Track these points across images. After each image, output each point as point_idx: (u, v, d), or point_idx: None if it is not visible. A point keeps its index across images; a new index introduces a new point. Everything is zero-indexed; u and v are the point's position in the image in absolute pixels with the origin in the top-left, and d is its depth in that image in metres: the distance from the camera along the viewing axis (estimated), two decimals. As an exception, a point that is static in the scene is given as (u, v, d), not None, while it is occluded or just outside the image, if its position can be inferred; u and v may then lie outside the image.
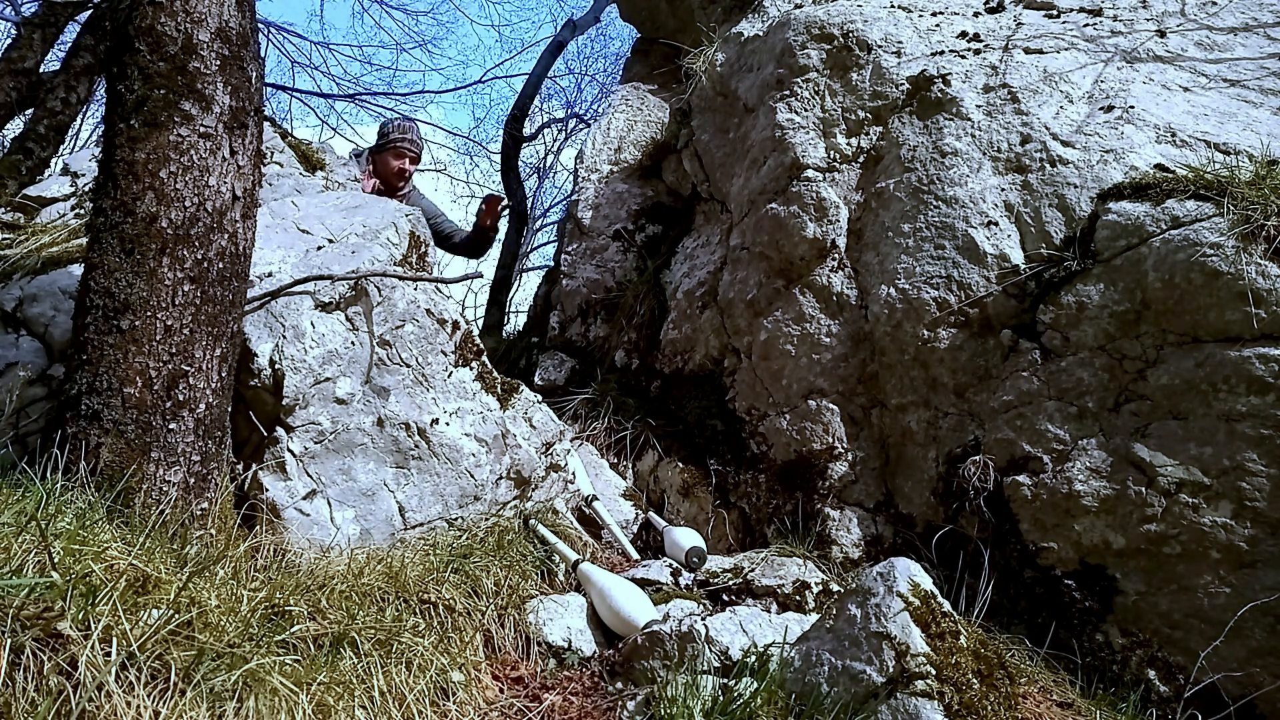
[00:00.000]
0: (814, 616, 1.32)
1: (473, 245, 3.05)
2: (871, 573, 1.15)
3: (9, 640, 0.76)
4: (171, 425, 1.16)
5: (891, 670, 1.02)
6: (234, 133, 1.26)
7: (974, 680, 1.03)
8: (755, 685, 1.06)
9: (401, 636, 1.07)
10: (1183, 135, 1.67)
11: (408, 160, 2.95)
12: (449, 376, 1.60)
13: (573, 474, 1.88)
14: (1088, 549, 1.45)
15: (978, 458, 1.60)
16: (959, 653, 1.05)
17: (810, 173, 2.07)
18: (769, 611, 1.46)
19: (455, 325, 1.65)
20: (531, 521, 1.65)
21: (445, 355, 1.60)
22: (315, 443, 1.39)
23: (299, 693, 0.87)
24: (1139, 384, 1.44)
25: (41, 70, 1.42)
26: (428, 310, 1.59)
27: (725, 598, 1.60)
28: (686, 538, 1.72)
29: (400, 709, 0.97)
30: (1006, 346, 1.63)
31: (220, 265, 1.23)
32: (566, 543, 1.61)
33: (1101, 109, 1.77)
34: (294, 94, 5.42)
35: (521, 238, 5.36)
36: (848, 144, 2.09)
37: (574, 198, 3.19)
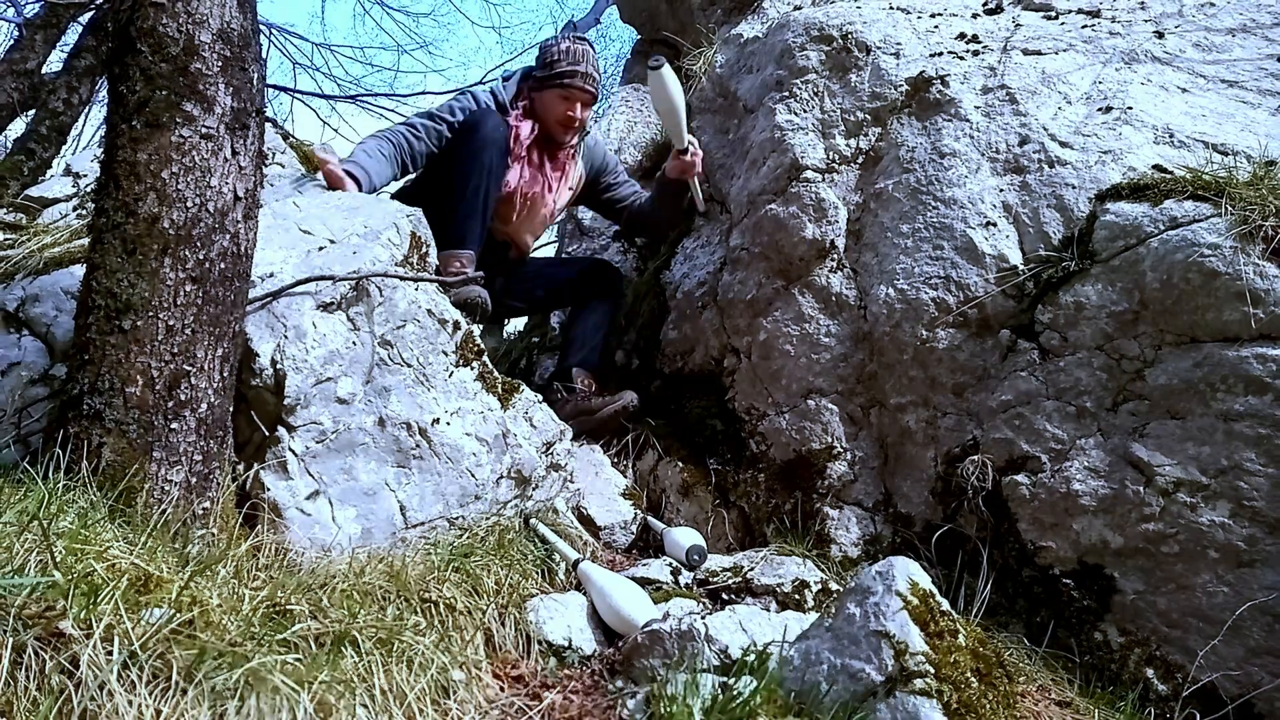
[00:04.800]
0: (813, 615, 1.32)
1: (671, 212, 2.46)
2: (870, 572, 1.16)
3: (11, 639, 0.76)
4: (173, 425, 1.17)
5: (890, 669, 1.03)
6: (236, 134, 1.27)
7: (972, 679, 1.03)
8: (755, 684, 1.06)
9: (403, 635, 1.07)
10: (1181, 136, 1.68)
11: (579, 105, 2.21)
12: (450, 376, 1.60)
13: (571, 473, 1.88)
14: (1086, 548, 1.45)
15: (976, 457, 1.60)
16: (957, 651, 1.06)
17: (809, 173, 2.08)
18: (768, 610, 1.46)
19: (456, 325, 1.65)
20: (532, 521, 1.66)
21: (446, 355, 1.61)
22: (317, 442, 1.39)
23: (300, 691, 0.87)
24: (1137, 384, 1.45)
25: (44, 71, 1.43)
26: (429, 310, 1.59)
27: (725, 596, 1.60)
28: (686, 536, 1.73)
29: (401, 707, 0.98)
30: (1005, 346, 1.64)
31: (222, 266, 1.23)
32: (567, 542, 1.61)
33: (1100, 110, 1.78)
34: (295, 95, 5.42)
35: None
36: (847, 145, 2.10)
37: (574, 198, 3.20)
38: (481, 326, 1.94)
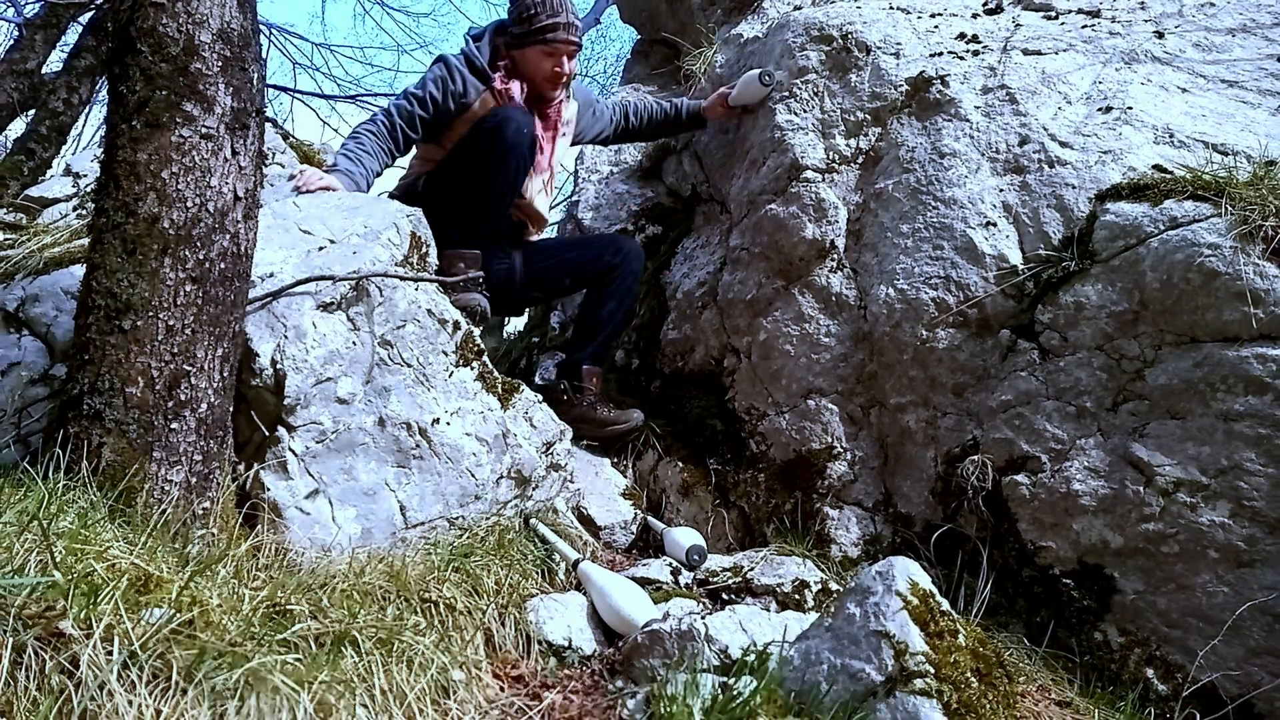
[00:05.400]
0: (813, 615, 1.32)
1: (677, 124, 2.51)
2: (870, 572, 1.16)
3: (11, 639, 0.76)
4: (173, 425, 1.17)
5: (890, 669, 1.03)
6: (236, 134, 1.27)
7: (972, 679, 1.03)
8: (755, 684, 1.06)
9: (403, 635, 1.07)
10: (1180, 136, 1.68)
11: (565, 59, 2.13)
12: (450, 376, 1.60)
13: (571, 473, 1.88)
14: (1086, 548, 1.45)
15: (976, 457, 1.60)
16: (957, 651, 1.06)
17: (809, 173, 2.08)
18: (768, 610, 1.47)
19: (456, 325, 1.65)
20: (532, 520, 1.66)
21: (446, 355, 1.61)
22: (317, 442, 1.39)
23: (300, 691, 0.87)
24: (1137, 384, 1.45)
25: (44, 71, 1.43)
26: (429, 310, 1.59)
27: (725, 596, 1.60)
28: (687, 536, 1.73)
29: (401, 707, 0.98)
30: (1005, 346, 1.64)
31: (222, 266, 1.23)
32: (567, 542, 1.61)
33: (1099, 110, 1.78)
34: (295, 95, 5.42)
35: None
36: (847, 145, 2.10)
37: (574, 199, 3.20)
38: (481, 329, 1.93)
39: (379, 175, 2.10)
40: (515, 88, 2.15)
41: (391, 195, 2.25)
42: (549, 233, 3.11)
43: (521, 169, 2.06)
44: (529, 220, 2.36)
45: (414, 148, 2.24)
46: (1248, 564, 1.28)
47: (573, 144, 2.50)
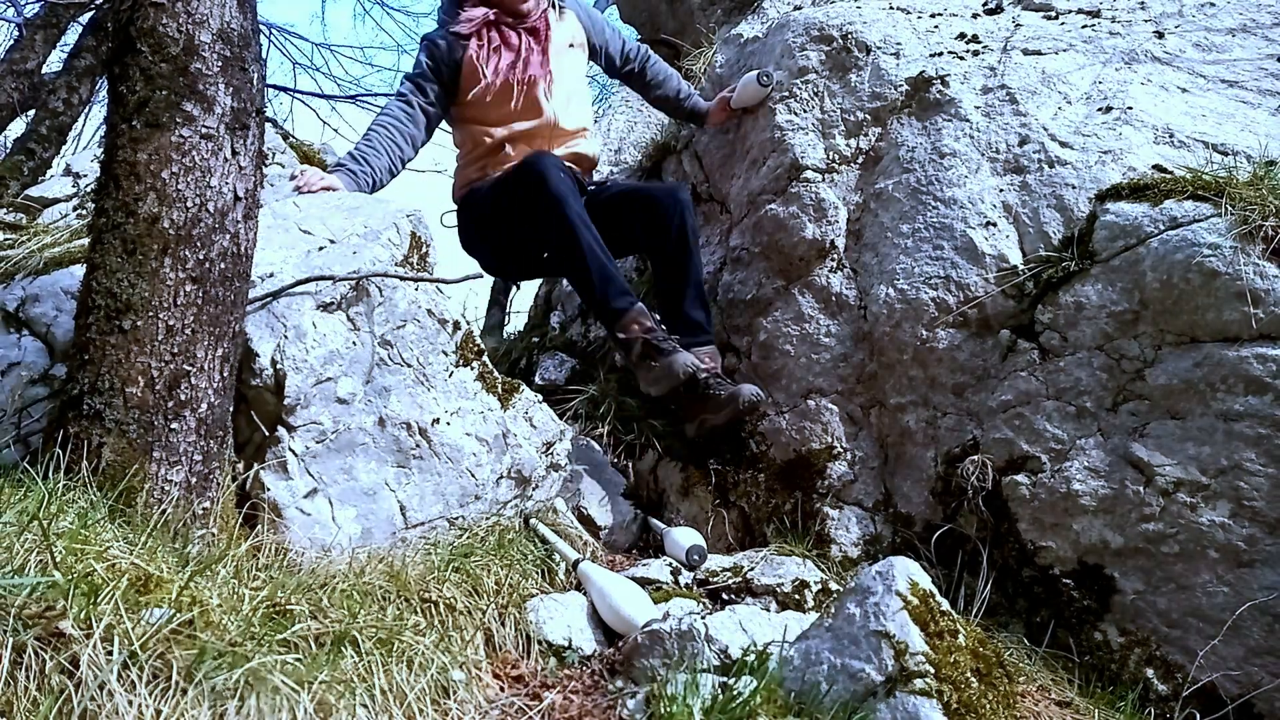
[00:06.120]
0: (813, 615, 1.32)
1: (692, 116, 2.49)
2: (870, 572, 1.16)
3: (11, 639, 0.76)
4: (173, 425, 1.17)
5: (890, 669, 1.03)
6: (236, 134, 1.27)
7: (972, 679, 1.03)
8: (755, 684, 1.06)
9: (403, 635, 1.07)
10: (1181, 136, 1.68)
11: None
12: (450, 376, 1.60)
13: (571, 473, 1.88)
14: (1086, 548, 1.45)
15: (976, 457, 1.61)
16: (957, 651, 1.06)
17: (809, 173, 2.08)
18: (768, 610, 1.47)
19: (456, 325, 1.65)
20: (532, 521, 1.66)
21: (446, 355, 1.61)
22: (317, 442, 1.39)
23: (300, 691, 0.87)
24: (1137, 384, 1.45)
25: (44, 71, 1.43)
26: (429, 310, 1.59)
27: (725, 596, 1.60)
28: (686, 536, 1.73)
29: (401, 707, 0.98)
30: (1005, 346, 1.64)
31: (222, 266, 1.23)
32: (567, 542, 1.61)
33: (1100, 110, 1.78)
34: (295, 95, 5.42)
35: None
36: (847, 145, 2.10)
37: (574, 198, 3.19)
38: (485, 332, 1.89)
39: (394, 172, 2.07)
40: (477, 15, 2.08)
41: (457, 189, 2.25)
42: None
43: (582, 208, 1.96)
44: (576, 160, 2.24)
45: (444, 123, 2.22)
46: (1248, 564, 1.28)
47: (591, 57, 2.41)
